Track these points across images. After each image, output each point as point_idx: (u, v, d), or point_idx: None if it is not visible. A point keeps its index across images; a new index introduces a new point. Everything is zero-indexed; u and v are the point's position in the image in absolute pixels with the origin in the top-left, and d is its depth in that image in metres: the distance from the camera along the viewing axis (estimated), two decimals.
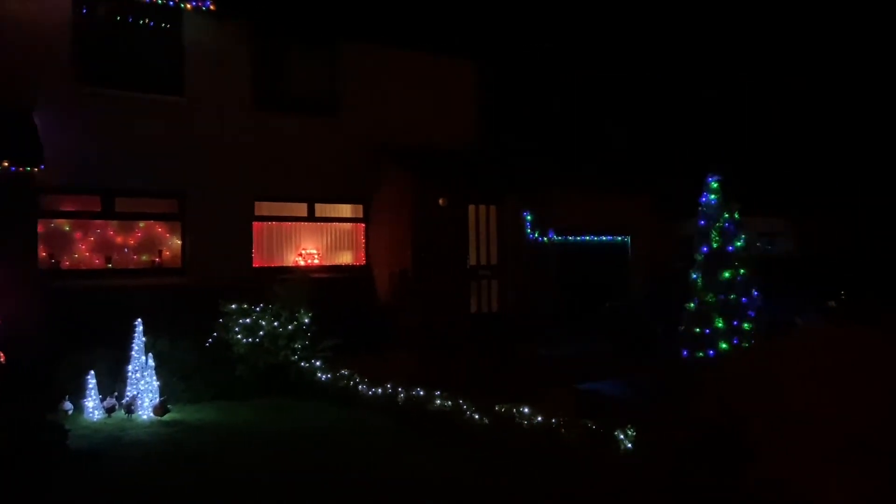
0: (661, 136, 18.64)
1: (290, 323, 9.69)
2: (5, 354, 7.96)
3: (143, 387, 8.26)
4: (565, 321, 13.23)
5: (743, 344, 8.03)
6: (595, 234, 14.72)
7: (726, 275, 8.37)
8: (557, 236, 14.12)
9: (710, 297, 8.28)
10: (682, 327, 8.52)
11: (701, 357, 8.09)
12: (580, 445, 6.27)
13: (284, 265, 12.26)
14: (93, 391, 8.18)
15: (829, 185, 17.86)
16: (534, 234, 13.65)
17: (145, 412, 8.19)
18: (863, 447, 4.67)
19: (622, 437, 6.06)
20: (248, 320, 9.57)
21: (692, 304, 8.49)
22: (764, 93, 19.74)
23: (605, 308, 12.36)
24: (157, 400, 8.24)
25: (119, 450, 6.99)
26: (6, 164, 9.03)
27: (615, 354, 11.09)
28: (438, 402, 7.69)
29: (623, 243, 15.12)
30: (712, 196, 8.65)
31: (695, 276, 8.56)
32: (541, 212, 13.63)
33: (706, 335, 8.21)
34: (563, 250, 14.20)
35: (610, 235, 14.88)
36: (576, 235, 14.46)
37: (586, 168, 16.30)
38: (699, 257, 8.57)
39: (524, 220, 13.51)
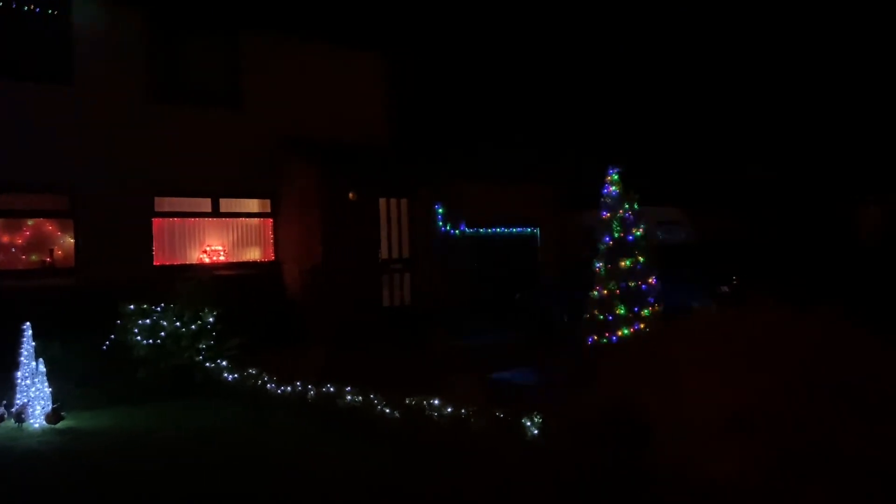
0: (568, 128, 19.18)
1: (194, 322, 9.39)
2: None
3: (35, 394, 7.79)
4: (478, 312, 13.40)
5: (643, 329, 8.36)
6: (505, 226, 14.96)
7: (627, 263, 8.68)
8: (469, 228, 14.27)
9: (612, 285, 8.57)
10: (587, 315, 8.77)
11: (605, 343, 8.37)
12: (488, 434, 6.35)
13: (188, 263, 11.88)
14: None
15: (725, 173, 18.91)
16: (446, 227, 13.75)
17: (37, 420, 7.73)
18: (747, 425, 4.96)
19: (529, 423, 6.18)
20: (148, 321, 9.22)
21: (595, 292, 8.76)
22: (663, 84, 20.62)
23: (515, 298, 12.60)
24: (50, 407, 7.80)
25: (9, 461, 6.58)
26: None
27: (526, 344, 11.33)
28: (349, 397, 7.62)
29: (532, 234, 15.45)
30: (613, 187, 8.94)
31: (598, 264, 8.83)
32: (452, 204, 13.73)
33: (609, 321, 8.50)
34: (475, 242, 14.36)
35: (520, 227, 15.17)
36: (487, 227, 14.66)
37: (496, 160, 16.53)
38: (602, 247, 8.84)
39: (436, 212, 13.58)
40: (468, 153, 16.25)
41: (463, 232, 14.12)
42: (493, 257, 14.55)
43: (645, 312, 8.54)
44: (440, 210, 13.67)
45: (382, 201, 12.87)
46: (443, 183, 13.60)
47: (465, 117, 18.17)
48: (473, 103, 18.85)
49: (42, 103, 10.46)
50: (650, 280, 8.75)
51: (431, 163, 14.28)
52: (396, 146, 14.21)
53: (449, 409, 6.77)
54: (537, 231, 15.49)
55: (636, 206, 8.91)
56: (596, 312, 8.68)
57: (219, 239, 12.40)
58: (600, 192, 9.06)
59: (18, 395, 7.82)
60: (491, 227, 14.78)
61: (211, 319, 9.47)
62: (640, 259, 8.74)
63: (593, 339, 8.63)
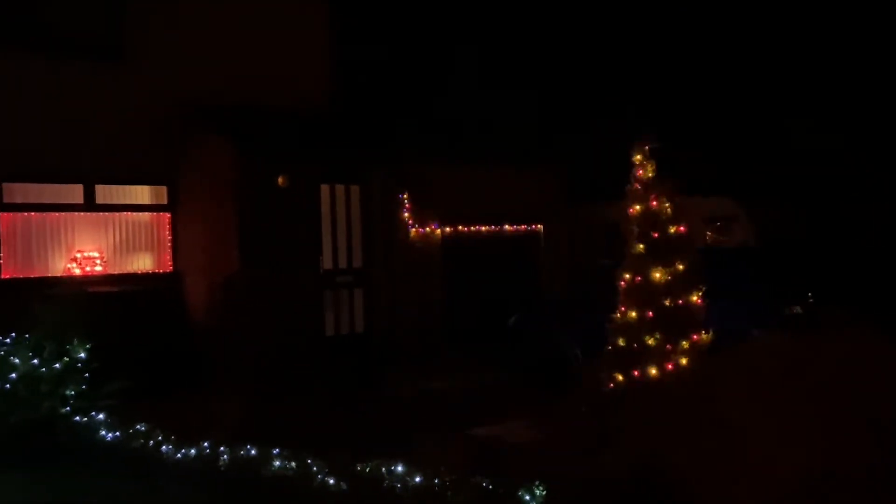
0: (576, 94, 19.25)
1: (59, 359, 9.21)
2: None
3: None
4: (457, 343, 13.37)
5: (684, 365, 8.36)
6: (495, 224, 14.98)
7: (663, 274, 8.69)
8: (445, 227, 14.25)
9: (641, 305, 8.57)
10: (608, 346, 8.77)
11: (632, 385, 8.35)
12: None
13: (50, 275, 11.78)
14: None
15: (794, 158, 19.12)
16: (413, 225, 13.71)
17: None
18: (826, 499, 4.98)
19: (528, 497, 6.16)
20: None
21: (619, 315, 8.74)
22: (707, 36, 20.82)
23: (508, 324, 12.57)
24: None
25: None
26: None
27: (523, 386, 11.30)
28: (278, 462, 7.53)
29: (532, 235, 15.48)
30: (644, 171, 8.95)
31: (623, 277, 8.82)
32: (422, 194, 13.73)
33: (638, 355, 8.49)
34: (452, 246, 14.36)
35: (515, 224, 15.20)
36: (469, 225, 14.66)
37: (483, 134, 16.55)
38: (629, 251, 8.84)
39: (399, 204, 13.54)
40: (444, 124, 16.24)
41: (436, 231, 14.08)
42: (479, 267, 14.56)
43: (686, 342, 8.55)
44: (405, 202, 13.63)
45: (325, 189, 12.81)
46: (409, 164, 13.58)
47: (441, 74, 18.16)
48: (453, 55, 18.85)
49: None
50: (694, 298, 8.76)
51: (393, 136, 14.24)
52: (344, 113, 14.17)
53: (417, 479, 6.73)
54: (539, 231, 15.53)
55: (676, 197, 8.93)
56: (620, 342, 8.67)
57: (94, 242, 12.25)
58: (626, 178, 9.07)
59: None
60: (475, 226, 14.78)
61: (82, 355, 9.30)
62: (681, 268, 8.75)
63: (616, 379, 8.62)
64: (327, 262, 12.78)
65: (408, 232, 13.79)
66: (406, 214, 13.77)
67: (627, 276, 8.83)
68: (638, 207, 8.93)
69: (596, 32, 20.10)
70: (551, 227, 15.54)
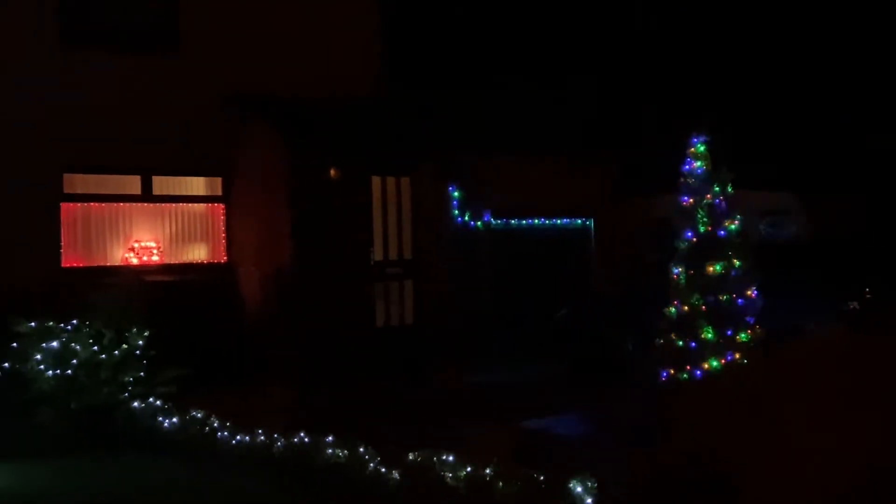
0: (630, 85, 19.07)
1: (118, 347, 9.47)
2: None
3: None
4: (506, 336, 13.39)
5: (739, 360, 8.31)
6: (546, 216, 14.93)
7: (716, 268, 8.64)
8: (495, 219, 14.25)
9: (695, 299, 8.52)
10: (661, 340, 8.74)
11: (684, 379, 8.33)
12: (524, 503, 6.34)
13: (109, 265, 11.98)
14: None
15: (853, 151, 18.76)
16: (462, 217, 13.74)
17: None
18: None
19: (580, 489, 6.17)
20: (55, 344, 9.28)
21: (672, 309, 8.71)
22: (764, 26, 20.50)
23: (558, 316, 12.56)
24: None
25: None
26: None
27: (571, 379, 11.30)
28: (330, 451, 7.63)
29: (583, 228, 15.41)
30: (698, 163, 8.89)
31: (676, 270, 8.78)
32: (472, 186, 13.74)
33: (691, 349, 8.45)
34: (502, 239, 14.35)
35: (566, 218, 15.13)
36: (520, 218, 14.63)
37: (533, 126, 16.49)
38: (682, 245, 8.80)
39: (449, 197, 13.57)
40: (494, 115, 16.20)
41: (487, 224, 14.10)
42: (529, 260, 14.53)
43: (741, 337, 8.49)
44: (455, 193, 13.67)
45: (376, 181, 12.89)
46: (459, 155, 13.59)
47: (491, 65, 18.12)
48: (502, 46, 18.80)
49: None
50: (748, 292, 8.70)
51: (444, 128, 14.26)
52: (395, 105, 14.22)
53: (468, 469, 6.77)
54: (590, 224, 15.46)
55: (730, 190, 8.86)
56: (672, 337, 8.64)
57: (151, 232, 12.46)
58: (680, 171, 9.02)
59: None
60: (525, 218, 14.76)
61: (141, 342, 9.55)
62: (735, 263, 8.69)
63: (668, 373, 8.60)
64: (378, 254, 12.85)
65: (458, 224, 13.81)
66: (456, 207, 13.79)
67: (680, 270, 8.79)
68: (691, 201, 8.88)
69: (650, 22, 19.91)
70: (602, 221, 15.44)
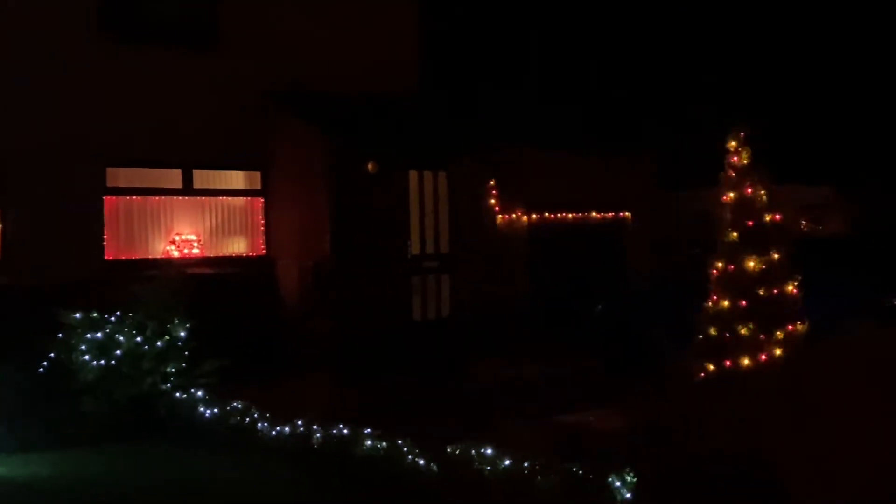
0: (667, 79, 18.93)
1: (160, 338, 9.58)
2: None
3: None
4: (543, 330, 13.36)
5: (779, 356, 8.24)
6: (582, 211, 14.88)
7: (757, 263, 8.57)
8: (532, 214, 14.23)
9: (735, 294, 8.47)
10: (700, 335, 8.69)
11: (723, 374, 8.27)
12: (560, 496, 6.34)
13: (151, 257, 12.14)
14: None
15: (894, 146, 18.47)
16: (499, 211, 13.73)
17: None
18: None
19: (618, 484, 6.16)
20: (99, 335, 9.41)
21: (711, 304, 8.66)
22: (805, 18, 20.23)
23: (595, 311, 12.52)
24: None
25: None
26: None
27: (608, 374, 11.25)
28: (369, 442, 7.68)
29: (620, 222, 15.33)
30: (738, 157, 8.82)
31: (716, 265, 8.72)
32: (509, 180, 13.73)
33: (730, 344, 8.40)
34: (538, 233, 14.33)
35: (602, 211, 15.07)
36: (556, 212, 14.60)
37: (570, 121, 16.45)
38: (722, 239, 8.75)
39: (486, 191, 13.57)
40: (531, 110, 16.20)
41: (523, 218, 14.08)
42: (565, 254, 14.49)
43: (781, 332, 8.41)
44: (492, 188, 13.66)
45: (413, 175, 12.93)
46: (496, 150, 13.59)
47: (528, 61, 18.09)
48: (539, 41, 18.76)
49: None
50: (789, 287, 8.62)
51: (480, 122, 14.27)
52: (432, 100, 14.25)
53: (506, 462, 6.79)
54: (627, 218, 15.38)
55: (771, 183, 8.78)
56: (711, 332, 8.59)
57: (192, 225, 12.61)
58: (719, 165, 8.96)
59: None
60: (562, 213, 14.71)
61: (183, 334, 9.65)
62: (776, 257, 8.62)
63: (707, 368, 8.53)
64: (415, 248, 12.89)
65: (494, 218, 13.81)
66: (493, 201, 13.79)
67: (720, 264, 8.74)
68: (732, 195, 8.82)
69: (689, 15, 19.73)
70: (639, 215, 15.36)
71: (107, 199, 11.88)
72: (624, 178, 15.14)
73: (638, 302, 12.68)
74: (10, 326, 9.55)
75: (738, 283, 8.56)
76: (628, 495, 6.10)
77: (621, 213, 15.32)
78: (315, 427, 8.17)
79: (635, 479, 6.10)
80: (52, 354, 9.49)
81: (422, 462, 7.24)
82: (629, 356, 11.55)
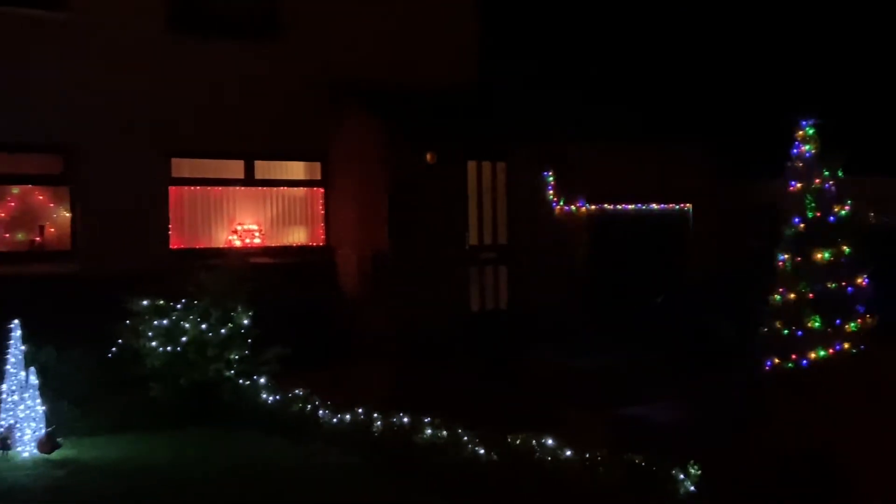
0: (730, 66, 18.58)
1: (224, 325, 9.72)
2: None
3: (24, 413, 8.27)
4: (602, 321, 13.27)
5: (847, 350, 8.09)
6: (642, 202, 14.73)
7: (825, 255, 8.42)
8: (590, 205, 14.14)
9: (802, 287, 8.34)
10: (765, 328, 8.57)
11: (790, 368, 8.15)
12: (622, 489, 6.30)
13: (214, 246, 12.34)
14: None
15: None
16: (557, 202, 13.67)
17: (26, 448, 8.20)
18: None
19: (682, 476, 6.10)
20: (165, 322, 9.58)
21: (778, 297, 8.53)
22: (872, 6, 19.69)
23: (655, 303, 12.41)
24: (43, 431, 8.26)
25: None
26: None
27: (670, 366, 11.13)
28: (429, 430, 7.72)
29: (681, 214, 15.15)
30: (806, 147, 8.67)
31: (782, 257, 8.60)
32: (567, 171, 13.65)
33: (797, 338, 8.27)
34: (596, 224, 14.22)
35: (663, 203, 14.90)
36: (615, 203, 14.47)
37: (629, 110, 16.27)
38: (788, 232, 8.61)
39: (544, 182, 13.52)
40: (589, 100, 16.05)
41: (582, 210, 13.99)
42: (624, 246, 14.36)
43: (851, 326, 8.26)
44: (550, 179, 13.60)
45: (471, 166, 12.94)
46: (554, 140, 13.52)
47: (585, 50, 17.92)
48: (597, 31, 18.58)
49: (29, 34, 11.00)
50: (859, 280, 8.44)
51: (539, 113, 14.18)
52: (489, 91, 14.21)
53: (567, 453, 6.76)
54: (689, 209, 15.19)
55: (840, 174, 8.61)
56: (778, 325, 8.47)
57: (253, 215, 12.79)
58: (787, 154, 8.80)
59: (3, 415, 8.30)
60: (621, 204, 14.59)
61: (246, 322, 9.78)
62: (845, 250, 8.46)
63: (773, 362, 8.42)
64: (473, 239, 12.90)
65: (552, 209, 13.74)
66: (551, 192, 13.72)
67: (786, 256, 8.59)
68: (799, 186, 8.67)
69: (754, 3, 19.34)
70: (700, 206, 15.15)
71: (172, 189, 12.09)
72: (685, 170, 14.94)
73: (699, 294, 12.54)
74: (80, 313, 9.77)
75: (805, 276, 8.41)
76: (692, 488, 6.05)
77: (682, 205, 15.13)
78: (376, 415, 8.24)
79: (699, 472, 6.04)
80: (120, 341, 9.69)
81: (481, 451, 7.25)
82: (690, 349, 11.43)
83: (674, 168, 14.85)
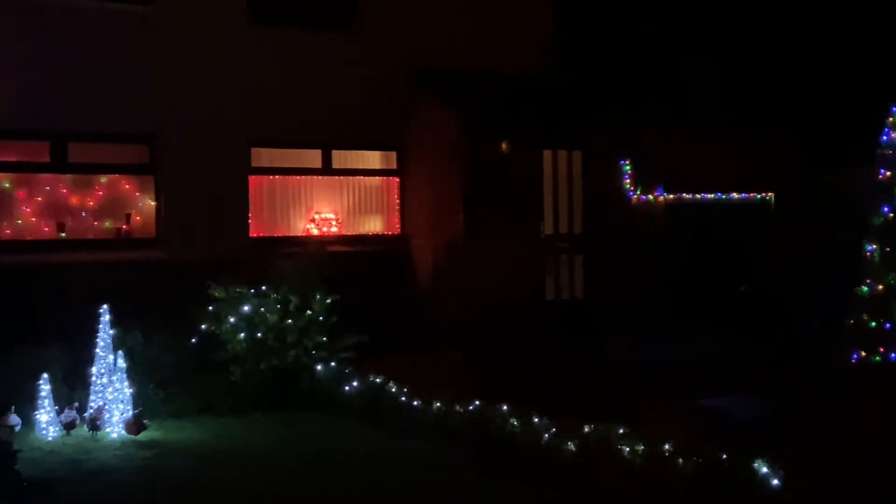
0: (815, 52, 18.05)
1: (303, 312, 9.90)
2: None
3: (112, 396, 8.55)
4: (679, 312, 13.11)
5: None
6: (721, 191, 14.47)
7: None
8: (668, 194, 13.95)
9: (892, 278, 8.10)
10: (851, 320, 8.36)
11: (877, 362, 7.94)
12: (703, 484, 6.23)
13: (292, 235, 12.53)
14: (47, 401, 8.50)
15: None
16: (634, 192, 13.53)
17: (115, 429, 8.48)
18: None
19: (764, 470, 6.00)
20: (246, 308, 9.77)
21: (865, 288, 8.31)
22: None
23: (736, 294, 12.21)
24: (130, 413, 8.52)
25: (81, 479, 7.27)
26: None
27: (751, 357, 10.96)
28: (505, 420, 7.74)
29: (762, 203, 14.84)
30: None
31: (869, 248, 8.37)
32: (644, 160, 13.48)
33: (886, 331, 8.05)
34: (675, 214, 14.02)
35: (743, 192, 14.62)
36: (693, 193, 14.24)
37: (707, 98, 15.97)
38: (878, 221, 8.37)
39: (621, 171, 13.38)
40: (668, 88, 15.80)
41: (659, 199, 13.81)
42: (703, 235, 14.13)
43: None
44: (627, 167, 13.46)
45: (547, 155, 12.86)
46: (631, 129, 13.36)
47: (664, 37, 17.64)
48: (675, 18, 18.26)
49: (116, 27, 11.30)
50: None
51: (615, 101, 14.03)
52: (566, 78, 14.10)
53: (646, 444, 6.71)
54: (770, 199, 14.87)
55: None
56: (865, 318, 8.24)
57: (330, 204, 12.95)
58: (875, 142, 8.54)
59: (93, 397, 8.63)
60: (699, 193, 14.35)
61: (324, 309, 9.94)
62: None
63: (859, 355, 8.20)
64: (548, 228, 12.83)
65: (629, 198, 13.59)
66: (627, 181, 13.57)
67: (874, 247, 8.36)
68: (889, 174, 8.41)
69: None
70: (782, 196, 14.80)
71: (252, 178, 12.31)
72: (766, 158, 14.60)
73: (782, 286, 12.29)
74: (164, 299, 10.03)
75: (894, 267, 8.17)
76: (776, 482, 5.94)
77: (763, 194, 14.81)
78: (451, 403, 8.30)
79: (781, 466, 5.94)
80: (202, 326, 9.94)
81: (559, 440, 7.24)
82: (774, 340, 11.24)
83: (755, 156, 14.53)
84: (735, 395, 9.02)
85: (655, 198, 13.78)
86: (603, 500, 6.57)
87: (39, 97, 10.82)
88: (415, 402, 8.66)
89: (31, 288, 10.32)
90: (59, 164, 11.21)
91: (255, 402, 9.52)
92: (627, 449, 6.81)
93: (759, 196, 14.75)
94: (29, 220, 11.11)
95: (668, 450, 6.59)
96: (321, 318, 9.94)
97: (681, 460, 6.48)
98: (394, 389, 9.00)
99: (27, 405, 8.53)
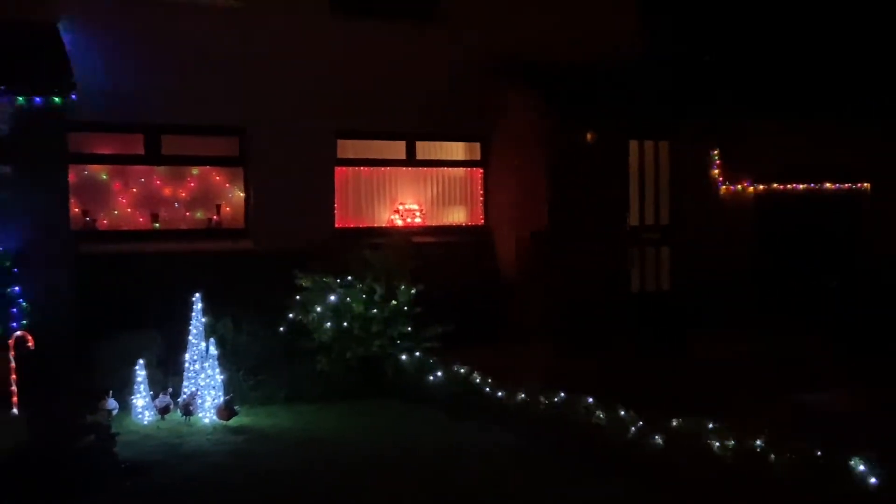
0: None
1: (388, 302, 10.00)
2: (34, 338, 8.62)
3: (204, 382, 8.79)
4: (769, 305, 12.84)
5: None
6: (814, 182, 14.09)
7: None
8: (758, 185, 13.67)
9: None
10: None
11: None
12: (797, 481, 6.09)
13: (376, 225, 12.68)
14: (142, 386, 8.79)
15: None
16: (723, 182, 13.29)
17: (207, 414, 8.72)
18: None
19: (862, 468, 5.84)
20: (333, 298, 9.92)
21: None
22: None
23: (830, 288, 11.88)
24: (221, 399, 8.74)
25: (176, 462, 7.49)
26: (29, 93, 9.65)
27: (846, 353, 10.66)
28: (590, 411, 7.69)
29: (858, 194, 14.40)
30: None
31: None
32: (733, 150, 13.27)
33: None
34: (765, 205, 13.74)
35: (836, 182, 14.20)
36: (785, 183, 13.91)
37: (798, 86, 15.52)
38: None
39: (709, 161, 13.16)
40: (756, 76, 15.42)
41: (749, 190, 13.53)
42: (794, 227, 13.82)
43: None
44: (715, 157, 13.22)
45: (633, 145, 12.75)
46: (720, 119, 13.11)
47: (753, 23, 17.20)
48: (765, 3, 17.78)
49: (206, 19, 11.49)
50: None
51: (703, 89, 13.76)
52: (652, 67, 13.88)
53: (737, 439, 6.60)
54: (865, 189, 14.42)
55: None
56: None
57: (414, 195, 13.04)
58: None
59: (186, 383, 8.88)
60: (790, 184, 14.02)
61: (408, 300, 10.01)
62: None
63: None
64: (634, 219, 12.75)
65: (718, 189, 13.37)
66: (716, 171, 13.35)
67: None
68: None
69: None
70: (879, 186, 14.35)
71: (337, 169, 12.46)
72: (861, 148, 14.16)
73: (877, 279, 11.90)
74: (253, 287, 10.25)
75: None
76: (874, 480, 5.78)
77: (859, 185, 14.37)
78: (538, 394, 8.27)
79: (879, 464, 5.77)
80: (290, 315, 10.13)
81: (646, 434, 7.16)
82: (870, 335, 10.91)
83: (849, 146, 14.10)
84: (828, 390, 8.80)
85: (745, 188, 13.51)
86: (692, 497, 6.46)
87: (134, 91, 11.12)
88: (499, 393, 8.66)
89: (127, 276, 10.63)
90: (152, 157, 11.53)
91: (341, 390, 9.67)
92: (717, 444, 6.70)
93: (854, 186, 14.33)
94: (125, 210, 11.48)
95: (759, 445, 6.46)
96: (405, 308, 10.02)
97: (773, 456, 6.35)
98: (478, 380, 9.02)
99: (124, 390, 8.84)
